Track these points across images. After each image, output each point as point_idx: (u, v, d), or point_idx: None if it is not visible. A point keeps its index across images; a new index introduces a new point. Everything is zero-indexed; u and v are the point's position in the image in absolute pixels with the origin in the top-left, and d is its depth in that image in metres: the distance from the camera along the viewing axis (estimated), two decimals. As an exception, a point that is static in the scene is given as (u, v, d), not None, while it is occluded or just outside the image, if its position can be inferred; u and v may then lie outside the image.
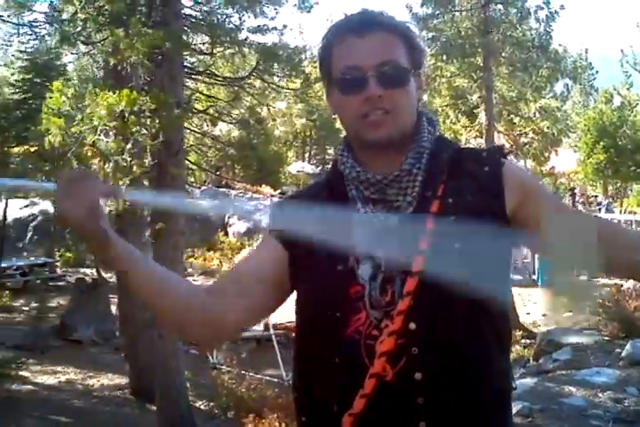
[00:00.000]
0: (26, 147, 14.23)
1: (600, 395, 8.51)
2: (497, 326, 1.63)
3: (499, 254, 1.63)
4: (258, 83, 9.75)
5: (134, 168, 7.66)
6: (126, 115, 7.20)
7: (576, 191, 31.24)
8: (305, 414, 1.72)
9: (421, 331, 1.55)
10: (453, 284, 1.52)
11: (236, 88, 9.68)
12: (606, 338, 11.27)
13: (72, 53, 10.59)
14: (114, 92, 7.13)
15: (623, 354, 10.00)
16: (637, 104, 30.85)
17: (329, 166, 1.86)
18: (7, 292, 15.08)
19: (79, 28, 7.82)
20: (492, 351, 1.62)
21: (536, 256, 18.81)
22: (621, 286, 14.53)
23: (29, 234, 20.63)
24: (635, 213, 24.94)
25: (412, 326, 1.55)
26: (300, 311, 1.75)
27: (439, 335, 1.56)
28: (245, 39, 8.91)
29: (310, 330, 1.71)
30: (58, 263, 18.91)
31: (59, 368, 10.64)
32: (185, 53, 8.77)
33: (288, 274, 1.74)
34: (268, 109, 13.21)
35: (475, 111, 18.24)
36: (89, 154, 8.38)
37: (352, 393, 1.56)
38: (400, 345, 1.54)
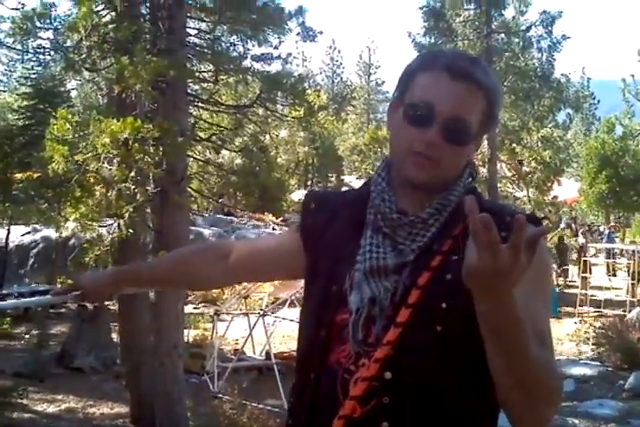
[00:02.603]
0: (28, 173, 14.22)
1: (603, 427, 8.44)
2: (484, 384, 1.49)
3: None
4: (261, 111, 9.77)
5: (137, 196, 7.65)
6: (130, 142, 7.20)
7: (576, 221, 31.21)
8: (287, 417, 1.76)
9: (396, 382, 1.52)
10: (435, 340, 1.51)
11: (239, 116, 9.68)
12: (609, 369, 11.21)
13: (76, 80, 10.63)
14: (117, 120, 7.14)
15: (626, 386, 9.95)
16: (639, 134, 31.02)
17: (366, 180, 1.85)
18: (8, 319, 14.98)
19: (84, 56, 7.84)
20: (472, 410, 1.55)
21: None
22: (624, 316, 14.45)
23: (31, 261, 20.57)
24: (635, 242, 24.89)
25: (388, 375, 1.52)
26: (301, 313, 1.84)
27: (414, 389, 1.52)
28: (249, 67, 8.94)
29: (299, 337, 1.78)
30: (59, 290, 18.83)
31: (59, 396, 10.53)
32: (189, 81, 8.79)
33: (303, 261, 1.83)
34: (271, 137, 13.21)
35: (477, 140, 18.25)
36: (92, 181, 8.37)
37: (319, 419, 1.58)
38: (372, 388, 1.52)
